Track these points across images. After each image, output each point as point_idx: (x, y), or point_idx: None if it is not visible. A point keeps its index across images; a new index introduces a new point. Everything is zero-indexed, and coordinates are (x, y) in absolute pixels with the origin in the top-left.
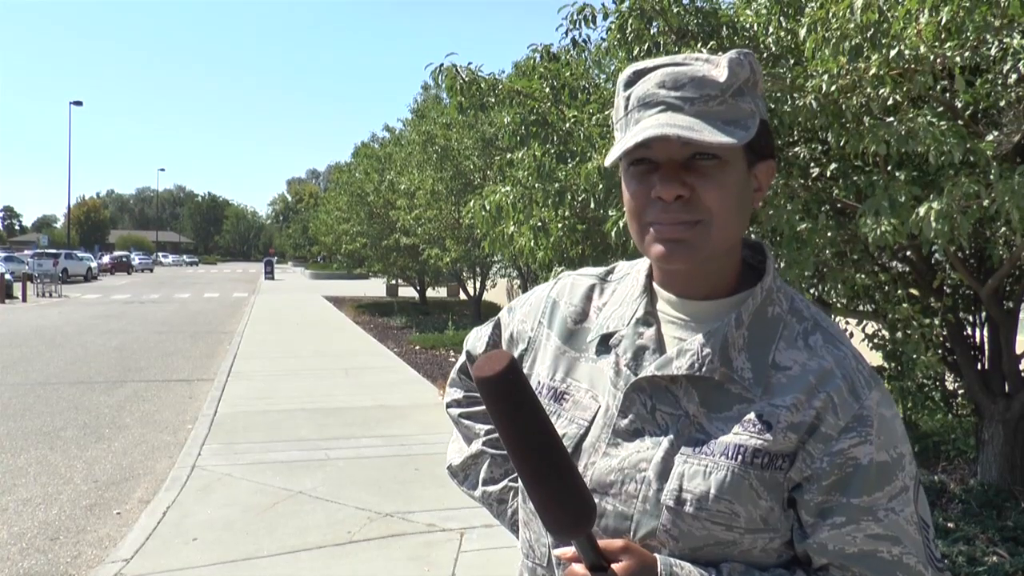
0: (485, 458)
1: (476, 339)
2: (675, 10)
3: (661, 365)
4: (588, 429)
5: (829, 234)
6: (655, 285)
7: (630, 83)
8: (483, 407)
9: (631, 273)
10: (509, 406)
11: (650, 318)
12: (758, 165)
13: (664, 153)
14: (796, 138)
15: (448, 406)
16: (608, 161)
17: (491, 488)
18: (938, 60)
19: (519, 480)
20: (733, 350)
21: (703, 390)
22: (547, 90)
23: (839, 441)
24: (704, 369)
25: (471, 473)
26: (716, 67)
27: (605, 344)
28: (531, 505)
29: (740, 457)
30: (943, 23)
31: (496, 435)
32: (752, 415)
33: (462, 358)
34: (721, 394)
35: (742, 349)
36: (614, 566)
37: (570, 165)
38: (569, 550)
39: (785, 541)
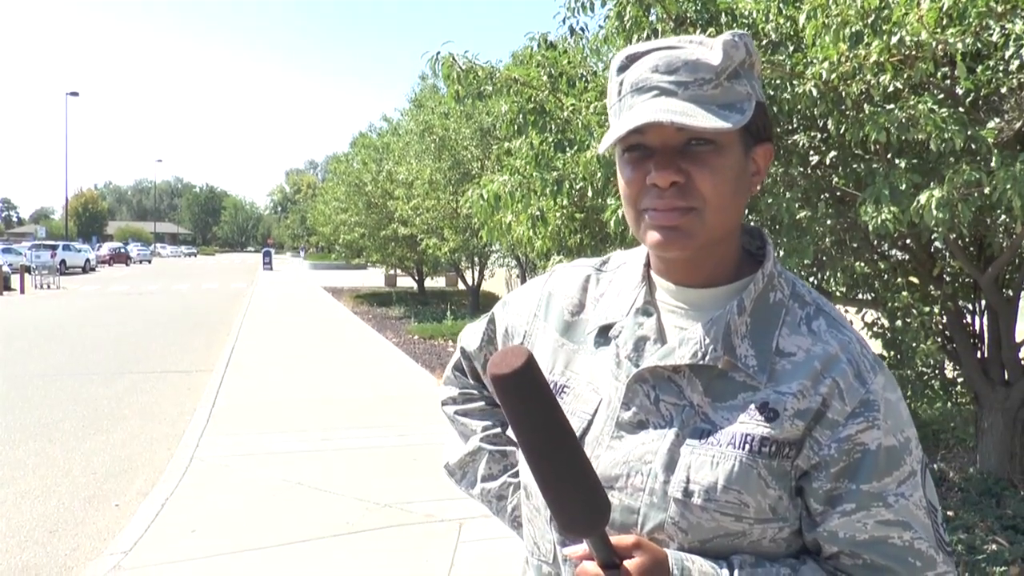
0: (483, 455)
1: (470, 335)
2: None
3: (664, 355)
4: (591, 422)
5: (828, 222)
6: (653, 274)
7: (623, 67)
8: (479, 404)
9: (628, 262)
10: (527, 404)
11: (649, 307)
12: (756, 149)
13: (659, 139)
14: (795, 126)
15: (443, 404)
16: (602, 148)
17: (490, 485)
18: (939, 46)
19: (526, 477)
20: (736, 337)
21: (707, 379)
22: (545, 78)
23: (846, 427)
24: (707, 358)
25: (469, 471)
26: (710, 50)
27: (604, 335)
28: (536, 502)
29: (747, 446)
30: (945, 9)
31: (494, 431)
32: (758, 403)
33: (456, 355)
34: (725, 383)
35: (745, 336)
36: (626, 563)
37: (568, 154)
38: (579, 548)
39: (794, 530)
